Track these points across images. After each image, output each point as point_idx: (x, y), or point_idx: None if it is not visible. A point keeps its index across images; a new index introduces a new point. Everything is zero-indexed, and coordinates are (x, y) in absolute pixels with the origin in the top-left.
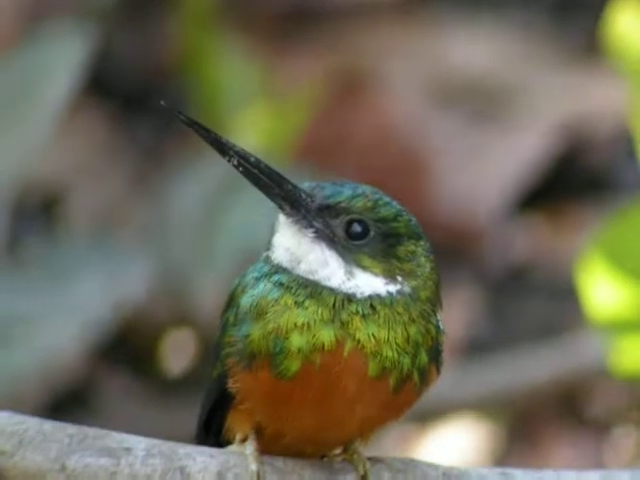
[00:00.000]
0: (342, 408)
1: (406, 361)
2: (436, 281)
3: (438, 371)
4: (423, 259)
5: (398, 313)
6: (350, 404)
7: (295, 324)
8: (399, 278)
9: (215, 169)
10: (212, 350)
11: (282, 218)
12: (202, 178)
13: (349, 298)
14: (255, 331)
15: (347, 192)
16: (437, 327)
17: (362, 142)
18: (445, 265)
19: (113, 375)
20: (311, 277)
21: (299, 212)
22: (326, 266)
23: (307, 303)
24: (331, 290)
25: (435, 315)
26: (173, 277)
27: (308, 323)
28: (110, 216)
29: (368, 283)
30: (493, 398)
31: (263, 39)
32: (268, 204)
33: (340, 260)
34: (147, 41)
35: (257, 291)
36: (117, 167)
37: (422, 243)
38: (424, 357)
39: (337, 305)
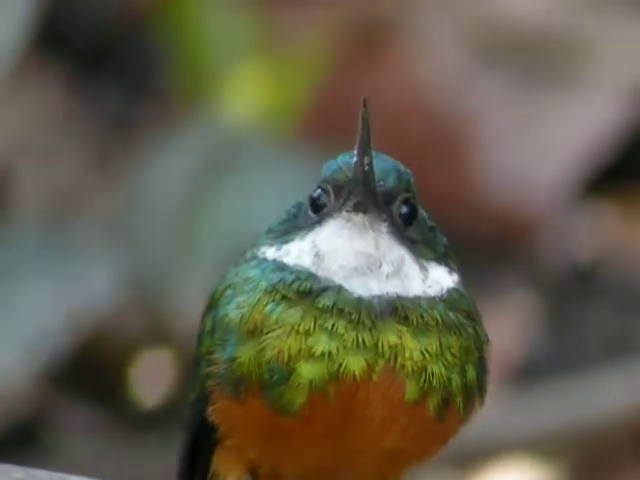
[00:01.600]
0: (362, 442)
1: (455, 377)
2: None
3: (481, 398)
4: (439, 233)
5: (456, 313)
6: (375, 436)
7: (309, 351)
8: (451, 263)
9: (197, 144)
10: (191, 367)
11: (354, 217)
12: (182, 155)
13: (432, 302)
14: (244, 353)
15: (392, 167)
16: (485, 334)
17: (384, 110)
18: (492, 265)
19: (71, 405)
20: (388, 286)
21: (377, 207)
22: (403, 265)
23: (342, 327)
24: (410, 298)
25: (478, 315)
26: (146, 280)
27: (330, 351)
28: (66, 202)
29: (440, 277)
30: (551, 435)
31: None
32: (263, 187)
33: (410, 254)
34: None
35: (250, 302)
36: (75, 141)
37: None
38: (471, 372)
39: (416, 320)
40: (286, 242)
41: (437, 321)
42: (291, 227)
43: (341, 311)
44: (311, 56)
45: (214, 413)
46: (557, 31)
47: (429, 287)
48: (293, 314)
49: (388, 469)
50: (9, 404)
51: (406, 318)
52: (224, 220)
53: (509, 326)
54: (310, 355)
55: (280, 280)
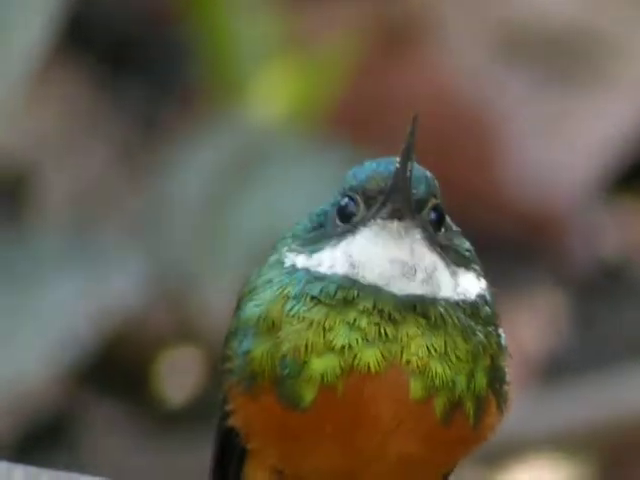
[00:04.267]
0: (374, 442)
1: (460, 380)
2: None
3: (499, 408)
4: (463, 237)
5: (466, 318)
6: (386, 436)
7: (326, 345)
8: (477, 269)
9: (224, 143)
10: (218, 370)
11: (390, 224)
12: (208, 155)
13: (453, 306)
14: (258, 347)
15: (422, 175)
16: (499, 342)
17: (412, 107)
18: (518, 263)
19: (97, 404)
20: (422, 291)
21: (411, 214)
22: (435, 272)
23: (365, 321)
24: (442, 300)
25: (498, 326)
26: (172, 279)
27: (344, 344)
28: (91, 203)
29: (469, 283)
30: (579, 432)
31: None
32: (290, 186)
33: (441, 261)
34: None
35: (267, 299)
36: (100, 140)
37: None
38: (481, 379)
39: (434, 317)
40: (316, 251)
41: (448, 322)
42: (319, 235)
43: (373, 309)
44: (338, 54)
45: (232, 413)
46: (582, 28)
47: (458, 293)
48: (318, 311)
49: (405, 473)
50: (36, 403)
51: (424, 316)
52: (250, 218)
53: (535, 323)
54: (329, 348)
55: (321, 290)
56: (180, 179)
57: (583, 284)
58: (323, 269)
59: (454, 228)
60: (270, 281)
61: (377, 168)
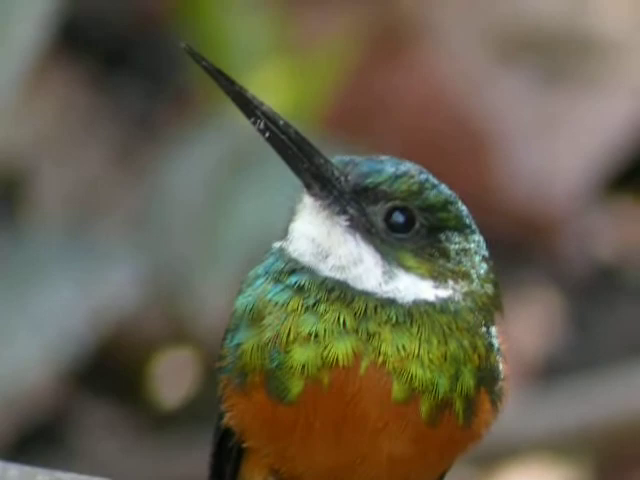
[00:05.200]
0: (362, 442)
1: (442, 382)
2: (494, 286)
3: (494, 405)
4: (477, 258)
5: (440, 323)
6: (373, 437)
7: (299, 333)
8: (450, 282)
9: (220, 142)
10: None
11: (308, 200)
12: (204, 153)
13: (385, 304)
14: (248, 340)
15: (388, 170)
16: (489, 343)
17: (407, 109)
18: (513, 263)
19: (93, 404)
20: (339, 276)
21: (331, 193)
22: (360, 263)
23: (323, 308)
24: (363, 293)
25: (488, 328)
26: (169, 280)
27: (317, 332)
28: (88, 202)
29: (412, 287)
30: (574, 434)
31: None
32: (288, 184)
33: (378, 256)
34: None
35: (256, 291)
36: (97, 139)
37: (476, 238)
38: (468, 380)
39: (368, 312)
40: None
41: (392, 320)
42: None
43: (316, 291)
44: (333, 56)
45: (227, 412)
46: (578, 30)
47: (385, 290)
48: (282, 295)
49: (399, 474)
50: (32, 403)
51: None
52: (246, 219)
53: (531, 324)
54: (300, 336)
55: (271, 265)
56: (175, 180)
57: (579, 285)
58: (290, 244)
59: (445, 244)
60: (257, 274)
61: (351, 156)
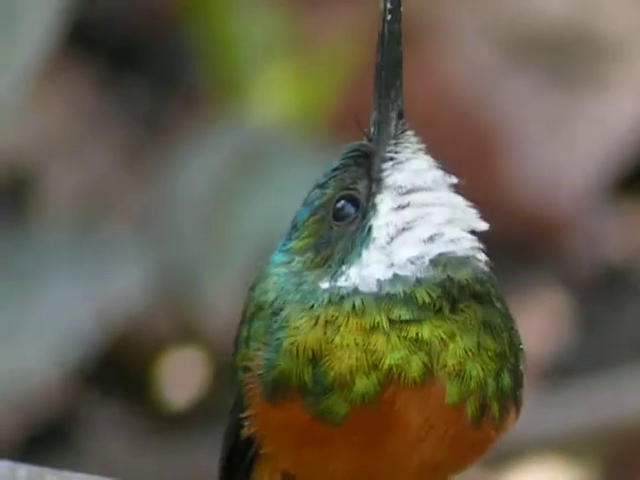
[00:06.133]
0: (398, 451)
1: (490, 382)
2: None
3: (517, 407)
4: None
5: (493, 317)
6: (411, 446)
7: (380, 366)
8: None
9: (228, 143)
10: (227, 373)
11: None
12: (212, 154)
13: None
14: (289, 364)
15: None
16: (520, 342)
17: (415, 109)
18: (522, 264)
19: (101, 405)
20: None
21: None
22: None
23: (415, 331)
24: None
25: (516, 325)
26: (176, 280)
27: (396, 363)
28: (95, 202)
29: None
30: (583, 434)
31: None
32: (295, 184)
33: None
34: None
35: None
36: (105, 140)
37: None
38: (507, 379)
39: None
40: (336, 264)
41: (479, 320)
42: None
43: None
44: (340, 55)
45: (250, 418)
46: (584, 32)
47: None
48: (358, 333)
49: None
50: (39, 403)
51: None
52: (254, 219)
53: (540, 325)
54: (375, 368)
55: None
56: (183, 180)
57: (586, 286)
58: (349, 284)
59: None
60: (289, 301)
61: None
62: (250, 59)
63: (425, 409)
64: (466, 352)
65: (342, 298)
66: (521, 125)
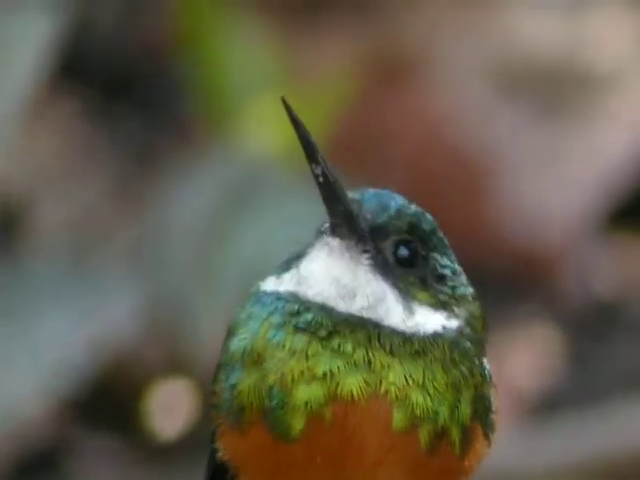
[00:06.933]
0: (360, 473)
1: (443, 410)
2: (482, 309)
3: (487, 437)
4: (464, 277)
5: (447, 352)
6: (373, 468)
7: (313, 373)
8: (454, 309)
9: (219, 174)
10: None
11: (332, 241)
12: (204, 185)
13: (409, 339)
14: (244, 381)
15: (393, 206)
16: (484, 372)
17: (406, 142)
18: (512, 298)
19: (90, 435)
20: (365, 315)
21: (355, 233)
22: (384, 301)
23: (344, 346)
24: (389, 330)
25: (482, 356)
26: (167, 311)
27: (331, 370)
28: (87, 233)
29: (429, 320)
30: (573, 468)
31: (279, 13)
32: (287, 217)
33: (396, 292)
34: (135, 14)
35: (254, 333)
36: (96, 172)
37: (454, 256)
38: (466, 409)
39: (394, 347)
40: (285, 271)
41: (428, 353)
42: (294, 256)
43: (336, 330)
44: (334, 86)
45: (221, 448)
46: (576, 63)
47: (409, 326)
48: (291, 336)
49: None
50: (31, 433)
51: (382, 343)
52: (245, 251)
53: (530, 360)
54: (311, 375)
55: (275, 308)
56: (175, 211)
57: (577, 320)
58: (282, 287)
59: (441, 271)
60: (249, 314)
61: (355, 192)
62: (243, 91)
63: (377, 431)
64: (412, 382)
65: (278, 304)
66: (513, 159)
